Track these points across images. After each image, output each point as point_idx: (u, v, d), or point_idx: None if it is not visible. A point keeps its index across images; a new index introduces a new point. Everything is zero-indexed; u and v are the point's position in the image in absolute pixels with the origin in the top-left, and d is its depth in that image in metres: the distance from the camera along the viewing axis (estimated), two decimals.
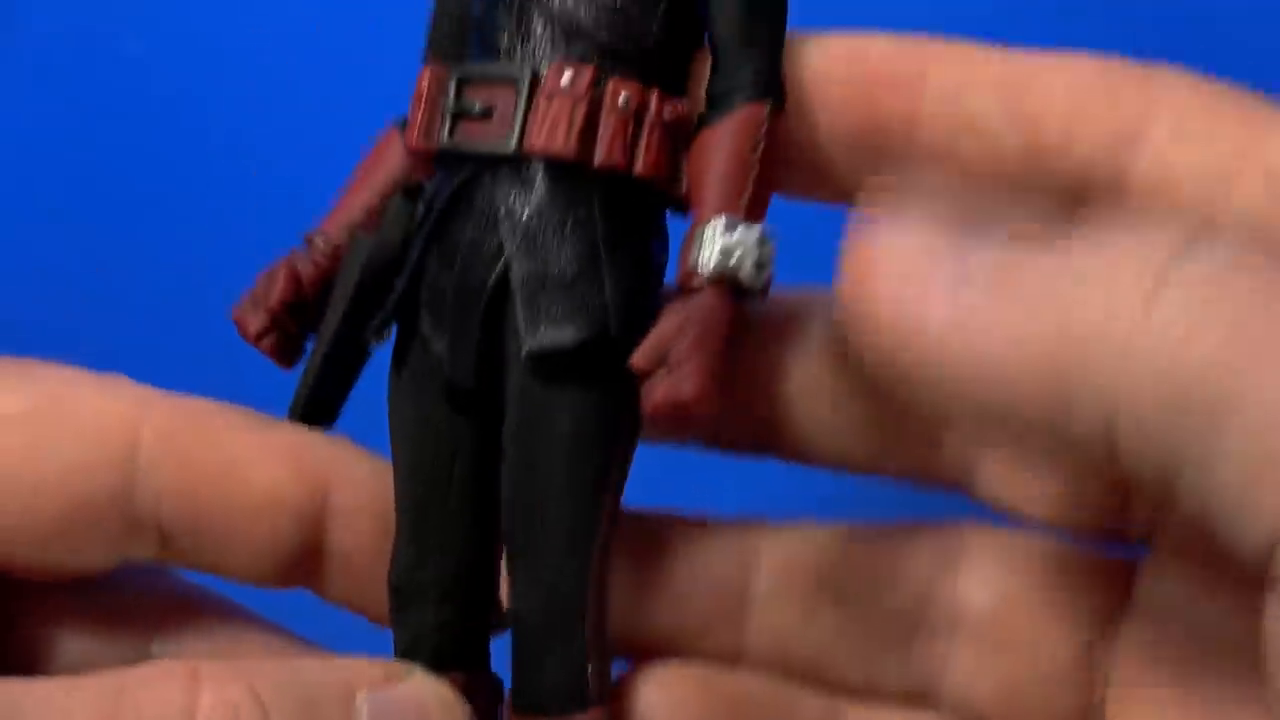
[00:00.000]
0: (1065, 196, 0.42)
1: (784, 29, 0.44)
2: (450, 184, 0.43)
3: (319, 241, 0.46)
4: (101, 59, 0.90)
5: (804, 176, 0.45)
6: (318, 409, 0.48)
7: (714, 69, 0.43)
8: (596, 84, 0.41)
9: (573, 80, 0.41)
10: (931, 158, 0.43)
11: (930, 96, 0.44)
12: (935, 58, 0.44)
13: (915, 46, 0.45)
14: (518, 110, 0.41)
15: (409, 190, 0.45)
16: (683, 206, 0.43)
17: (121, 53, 0.90)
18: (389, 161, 0.46)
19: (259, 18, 0.90)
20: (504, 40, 0.42)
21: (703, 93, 0.43)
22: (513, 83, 0.41)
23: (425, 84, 0.44)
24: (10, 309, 0.89)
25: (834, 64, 0.44)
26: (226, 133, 0.89)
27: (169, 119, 0.89)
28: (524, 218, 0.41)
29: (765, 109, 0.42)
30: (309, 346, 0.49)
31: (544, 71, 0.41)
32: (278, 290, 0.49)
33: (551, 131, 0.41)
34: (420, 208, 0.44)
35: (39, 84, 0.90)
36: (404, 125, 0.46)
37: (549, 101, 0.41)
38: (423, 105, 0.44)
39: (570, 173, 0.41)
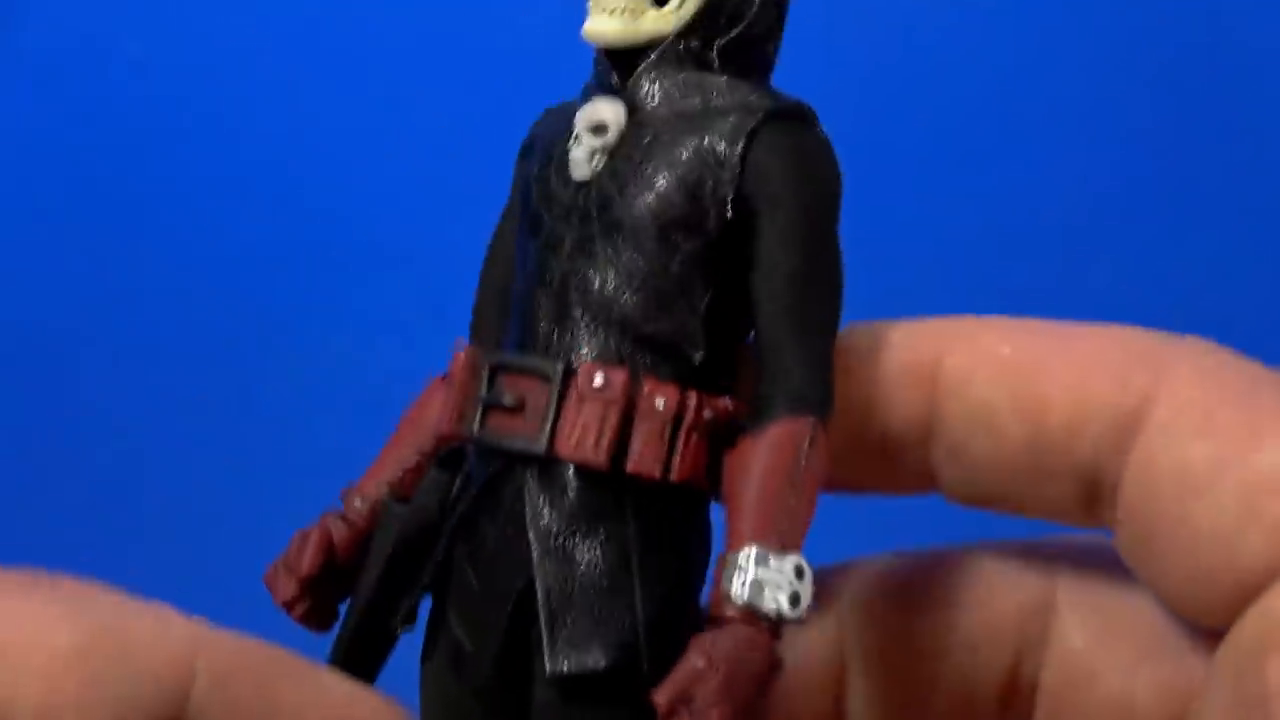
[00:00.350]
0: (1078, 491, 0.42)
1: (839, 320, 0.42)
2: (481, 476, 0.41)
3: (356, 502, 0.45)
4: (102, 59, 0.90)
5: (869, 474, 0.44)
6: (353, 672, 0.48)
7: (761, 361, 0.42)
8: (631, 387, 0.40)
9: (605, 384, 0.39)
10: (949, 455, 0.42)
11: (942, 387, 0.43)
12: (951, 341, 0.43)
13: (931, 331, 0.44)
14: (549, 408, 0.40)
15: (446, 459, 0.44)
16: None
17: (121, 53, 0.90)
18: (430, 418, 0.44)
19: (259, 18, 0.90)
20: (542, 325, 0.41)
21: (748, 382, 0.41)
22: (545, 377, 0.40)
23: (460, 367, 0.42)
24: (10, 308, 0.89)
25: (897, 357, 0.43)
26: (226, 132, 0.89)
27: (169, 119, 0.89)
28: (553, 523, 0.40)
29: (808, 427, 0.39)
30: (343, 607, 0.49)
31: (577, 367, 0.40)
32: (309, 559, 0.47)
33: (582, 438, 0.39)
34: (457, 482, 0.43)
35: (39, 84, 0.90)
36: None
37: (580, 404, 0.39)
38: (457, 390, 0.42)
39: (603, 477, 0.39)
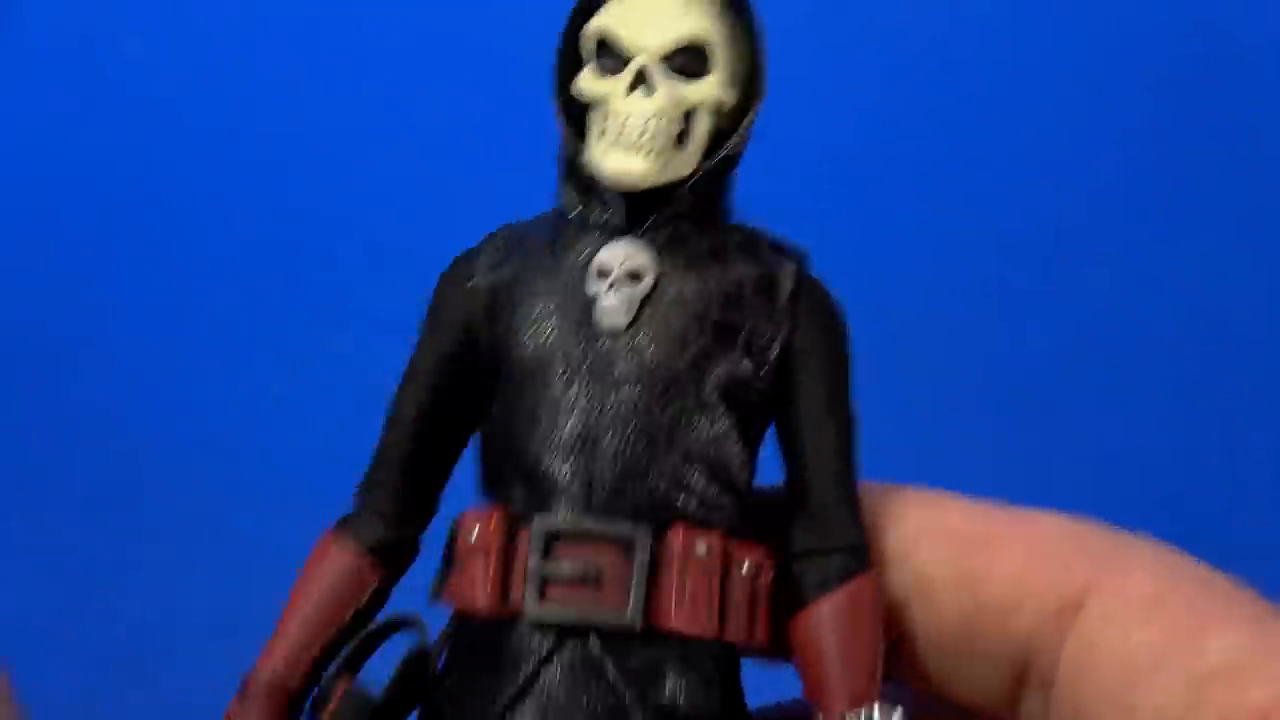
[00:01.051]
0: (1008, 672, 0.42)
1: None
2: (527, 655, 0.39)
3: (262, 693, 0.41)
4: (102, 59, 0.90)
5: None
6: None
7: (805, 509, 0.42)
8: (725, 552, 0.40)
9: (708, 550, 0.39)
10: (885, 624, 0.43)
11: (885, 556, 0.43)
12: (897, 510, 0.44)
13: (879, 498, 0.45)
14: (636, 578, 0.39)
15: (394, 625, 0.42)
16: (763, 654, 0.42)
17: (121, 53, 0.90)
18: (343, 586, 0.42)
19: (259, 18, 0.90)
20: (595, 487, 0.40)
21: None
22: (624, 544, 0.39)
23: (493, 534, 0.40)
24: (10, 308, 0.89)
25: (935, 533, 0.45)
26: (226, 133, 0.89)
27: (168, 119, 0.89)
28: (651, 697, 0.39)
29: (872, 583, 0.41)
30: None
31: (666, 531, 0.39)
32: None
33: (693, 610, 0.39)
34: (440, 656, 0.41)
35: (39, 84, 0.90)
36: (350, 530, 0.42)
37: (682, 573, 0.39)
38: (493, 560, 0.40)
39: (696, 647, 0.40)
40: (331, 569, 0.42)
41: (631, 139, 0.41)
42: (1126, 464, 0.85)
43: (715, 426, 0.41)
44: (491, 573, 0.39)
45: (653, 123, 0.41)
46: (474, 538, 0.40)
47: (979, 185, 0.86)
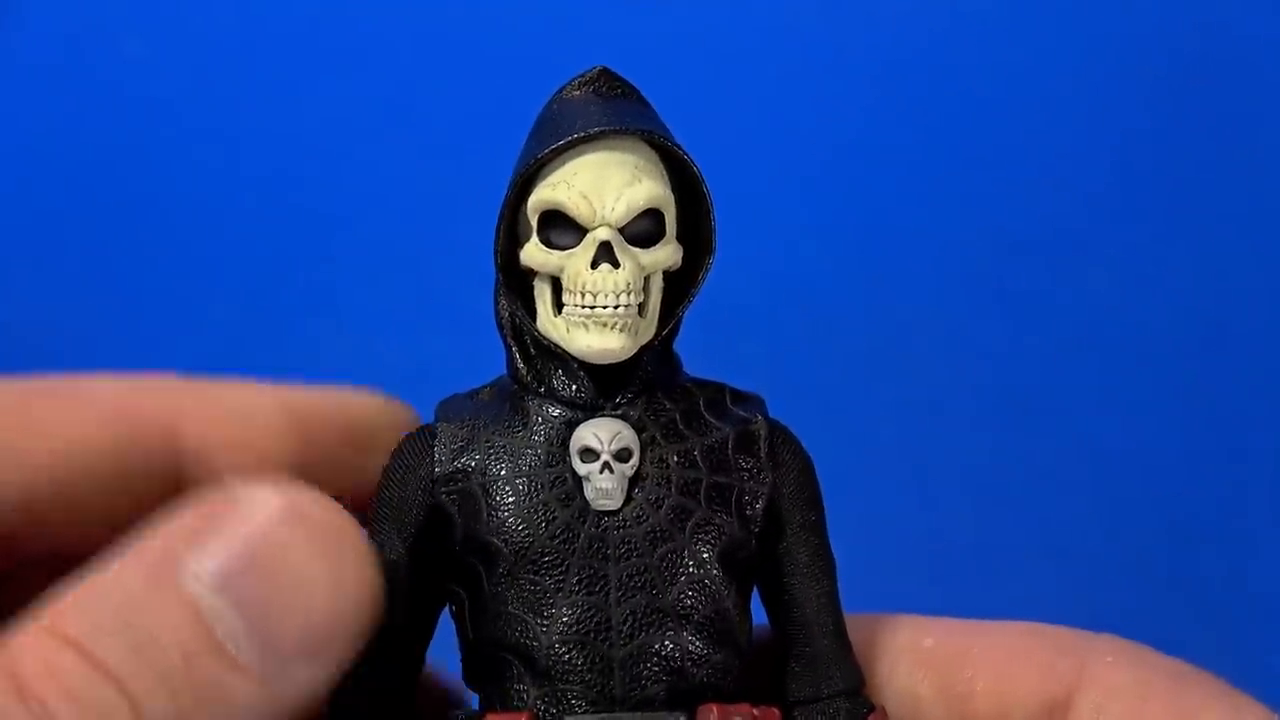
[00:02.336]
0: None
1: None
2: None
3: None
4: (101, 58, 0.90)
5: None
6: None
7: (799, 662, 0.43)
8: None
9: None
10: None
11: (873, 674, 0.45)
12: (871, 637, 0.45)
13: (866, 623, 0.46)
14: None
15: None
16: None
17: (121, 53, 0.90)
18: None
19: (259, 19, 0.90)
20: (617, 676, 0.40)
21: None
22: None
23: None
24: (10, 308, 0.89)
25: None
26: (226, 133, 0.89)
27: (168, 119, 0.89)
28: None
29: (885, 716, 0.43)
30: None
31: (696, 714, 0.40)
32: None
33: None
34: None
35: (39, 84, 0.90)
36: None
37: None
38: None
39: None
40: None
41: (604, 316, 0.40)
42: (1126, 464, 0.85)
43: (719, 593, 0.41)
44: None
45: (624, 297, 0.40)
46: None
47: (979, 185, 0.86)
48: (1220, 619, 0.82)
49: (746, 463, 0.42)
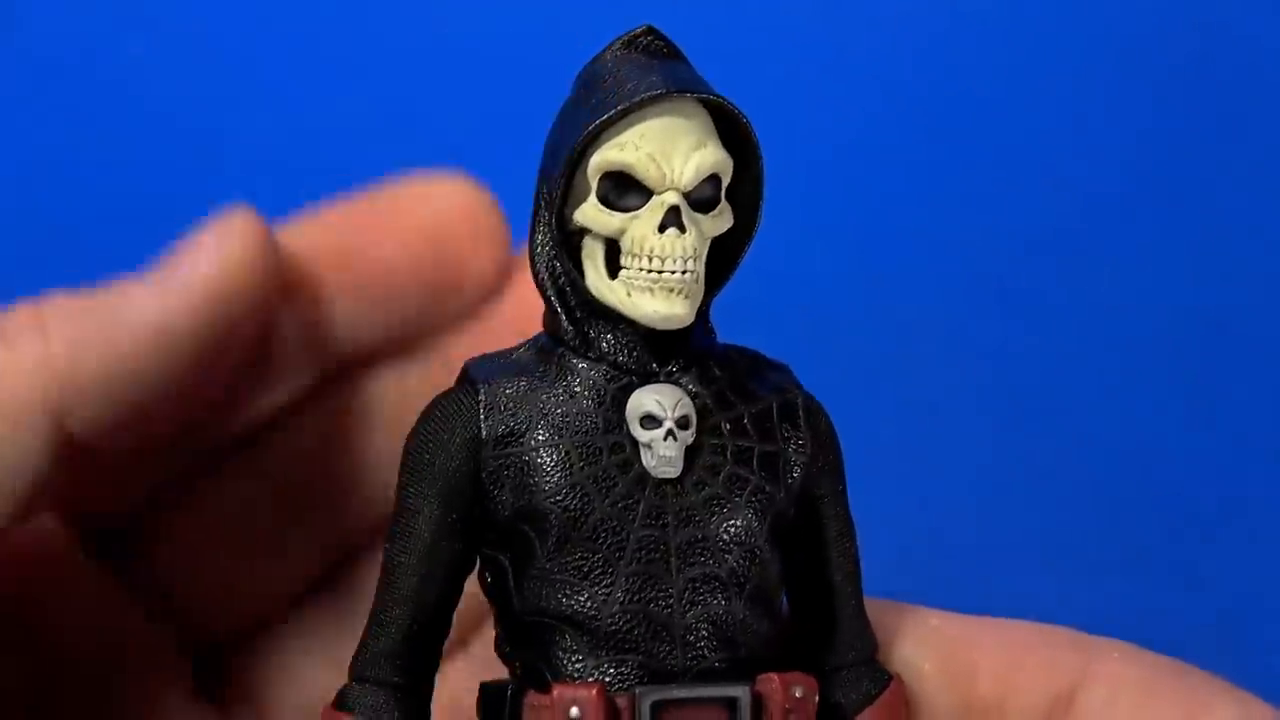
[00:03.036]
0: None
1: None
2: None
3: None
4: (101, 59, 0.90)
5: None
6: None
7: (833, 621, 0.43)
8: (809, 688, 0.41)
9: (804, 694, 0.40)
10: None
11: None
12: (877, 614, 0.45)
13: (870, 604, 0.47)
14: None
15: None
16: None
17: (122, 53, 0.90)
18: None
19: (259, 19, 0.90)
20: (682, 647, 0.40)
21: None
22: (728, 704, 0.39)
23: (594, 711, 0.39)
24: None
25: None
26: (225, 133, 0.89)
27: (169, 119, 0.89)
28: None
29: (902, 686, 0.43)
30: None
31: (759, 685, 0.40)
32: None
33: None
34: None
35: (39, 84, 0.90)
36: (365, 708, 0.40)
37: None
38: None
39: None
40: None
41: (672, 282, 0.40)
42: (1126, 464, 0.85)
43: (767, 563, 0.41)
44: None
45: (691, 263, 0.40)
46: (574, 715, 0.39)
47: (979, 185, 0.86)
48: (1221, 619, 0.82)
49: (788, 432, 0.42)
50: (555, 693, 0.39)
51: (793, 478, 0.41)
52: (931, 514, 0.83)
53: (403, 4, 0.89)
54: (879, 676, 0.42)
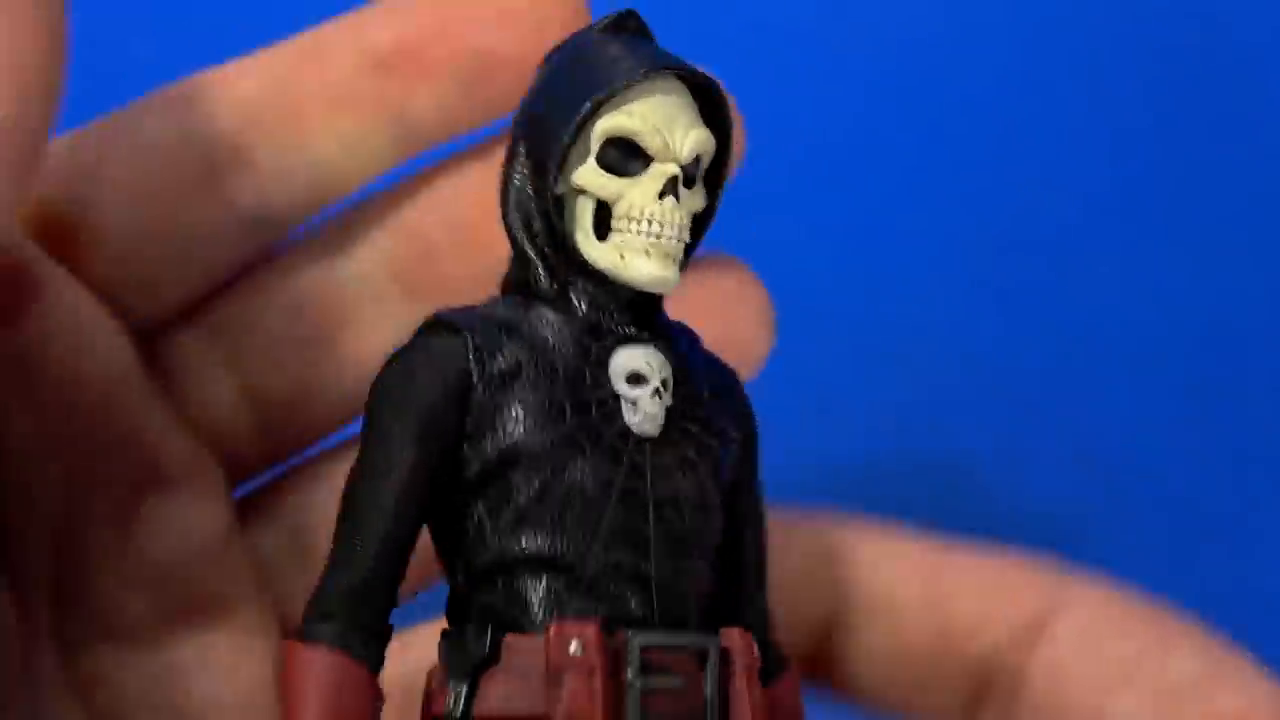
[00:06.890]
0: (968, 689, 0.45)
1: None
2: None
3: None
4: (102, 59, 0.90)
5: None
6: None
7: (744, 589, 0.44)
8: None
9: (758, 653, 0.41)
10: (848, 636, 0.45)
11: (849, 576, 0.46)
12: (856, 536, 0.46)
13: (836, 528, 0.46)
14: (708, 685, 0.39)
15: None
16: None
17: (122, 52, 0.90)
18: (356, 706, 0.39)
19: (259, 18, 0.90)
20: (657, 594, 0.40)
21: None
22: (700, 654, 0.40)
23: (593, 649, 0.38)
24: None
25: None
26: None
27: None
28: None
29: (797, 671, 0.43)
30: None
31: (721, 639, 0.40)
32: None
33: (755, 714, 0.40)
34: None
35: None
36: (334, 638, 0.39)
37: (746, 677, 0.40)
38: (598, 677, 0.38)
39: None
40: (333, 682, 0.39)
41: (669, 247, 0.40)
42: (1127, 463, 0.85)
43: (718, 526, 0.42)
44: (601, 691, 0.38)
45: (684, 232, 0.41)
46: (573, 651, 0.39)
47: (978, 185, 0.87)
48: (1222, 619, 0.82)
49: (734, 410, 0.43)
50: (553, 629, 0.38)
51: (735, 455, 0.43)
52: (932, 513, 0.83)
53: None
54: (783, 658, 0.43)
